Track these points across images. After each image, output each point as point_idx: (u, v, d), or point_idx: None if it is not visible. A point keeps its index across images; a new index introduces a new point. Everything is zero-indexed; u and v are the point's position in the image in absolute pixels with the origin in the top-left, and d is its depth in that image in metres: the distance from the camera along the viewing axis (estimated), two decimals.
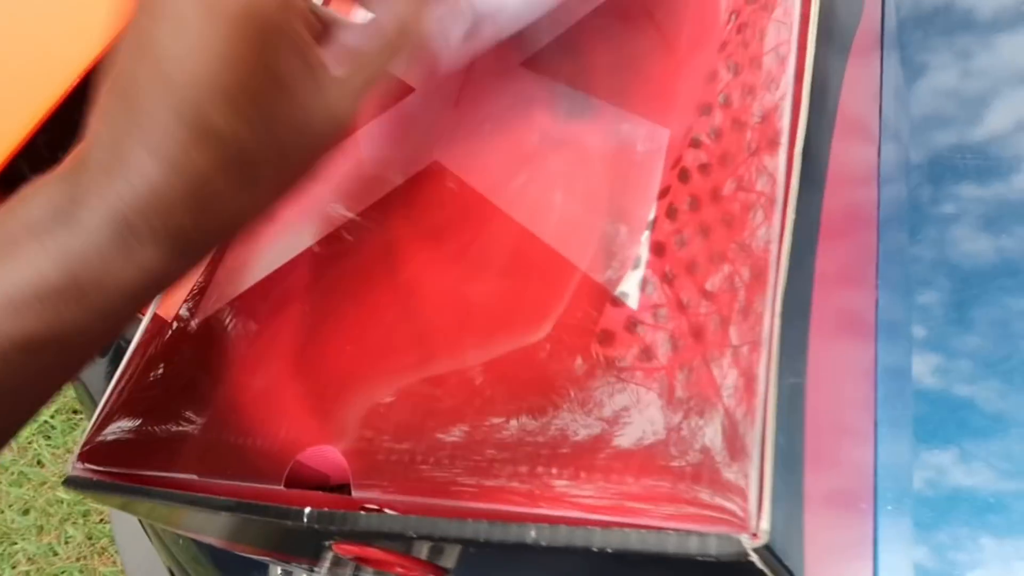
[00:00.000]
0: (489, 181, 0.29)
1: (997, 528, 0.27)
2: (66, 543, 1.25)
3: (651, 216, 0.24)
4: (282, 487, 0.27)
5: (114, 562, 1.20)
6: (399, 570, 0.28)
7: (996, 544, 0.27)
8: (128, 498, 0.33)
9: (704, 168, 0.24)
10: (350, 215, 0.32)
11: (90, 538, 1.24)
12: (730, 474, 0.19)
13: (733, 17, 0.27)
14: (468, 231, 0.28)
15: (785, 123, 0.23)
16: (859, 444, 0.29)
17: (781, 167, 0.22)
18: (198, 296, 0.37)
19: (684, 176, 0.24)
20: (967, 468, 0.29)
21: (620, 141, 0.27)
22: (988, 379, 0.30)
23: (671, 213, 0.24)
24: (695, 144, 0.24)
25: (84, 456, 0.36)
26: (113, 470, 0.35)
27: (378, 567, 0.29)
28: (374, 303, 0.29)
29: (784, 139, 0.23)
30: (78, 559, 1.23)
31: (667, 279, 0.23)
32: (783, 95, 0.23)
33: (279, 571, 0.42)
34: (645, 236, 0.24)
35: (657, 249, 0.23)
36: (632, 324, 0.23)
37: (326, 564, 0.30)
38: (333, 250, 0.32)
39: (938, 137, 0.37)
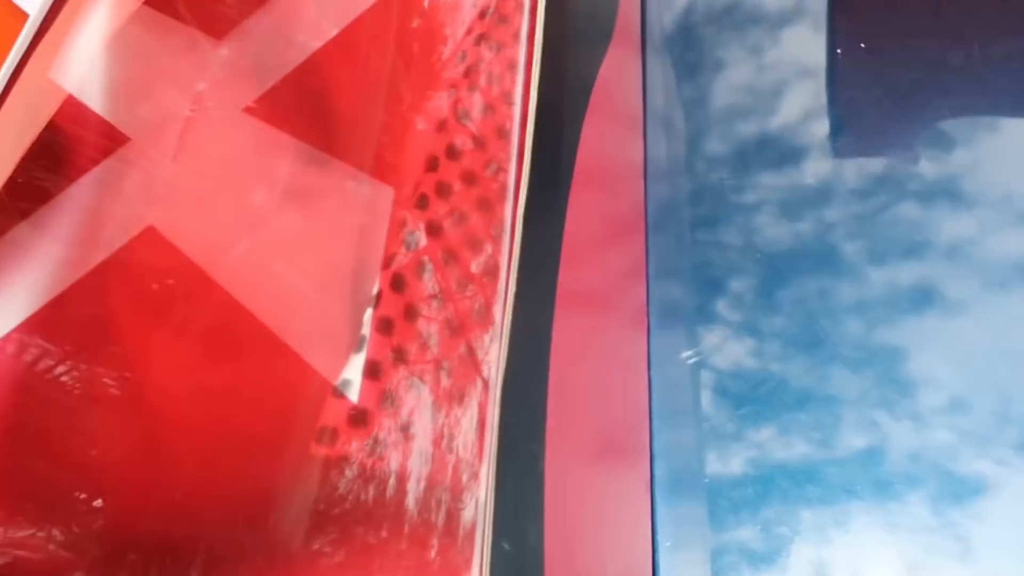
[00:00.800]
0: (207, 251, 0.26)
1: (813, 499, 0.29)
2: None
3: (375, 290, 0.23)
4: None
5: None
6: None
7: (812, 515, 0.29)
8: None
9: (434, 228, 0.23)
10: (60, 287, 0.28)
11: None
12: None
13: (463, 56, 0.27)
14: (187, 307, 0.25)
15: (514, 141, 0.23)
16: (633, 432, 0.30)
17: (511, 187, 0.23)
18: None
19: (412, 243, 0.23)
20: (785, 442, 0.30)
21: (345, 203, 0.25)
22: (795, 357, 0.32)
23: (397, 284, 0.23)
24: (421, 204, 0.24)
25: None
26: None
27: None
28: (87, 391, 0.25)
29: (514, 157, 0.23)
30: None
31: (399, 358, 0.22)
32: (513, 112, 0.24)
33: None
34: (368, 314, 0.23)
35: (384, 327, 0.23)
36: (359, 416, 0.22)
37: None
38: (38, 328, 0.28)
39: (738, 129, 0.38)
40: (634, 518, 0.27)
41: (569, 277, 0.24)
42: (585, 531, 0.23)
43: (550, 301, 0.23)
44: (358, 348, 0.22)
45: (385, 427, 0.21)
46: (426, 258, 0.23)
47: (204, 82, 0.28)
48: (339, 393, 0.22)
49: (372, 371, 0.22)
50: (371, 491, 0.21)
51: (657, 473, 0.29)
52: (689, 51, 0.41)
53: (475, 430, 0.20)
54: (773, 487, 0.30)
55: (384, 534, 0.20)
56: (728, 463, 0.30)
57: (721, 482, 0.30)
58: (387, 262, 0.23)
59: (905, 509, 0.28)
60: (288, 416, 0.22)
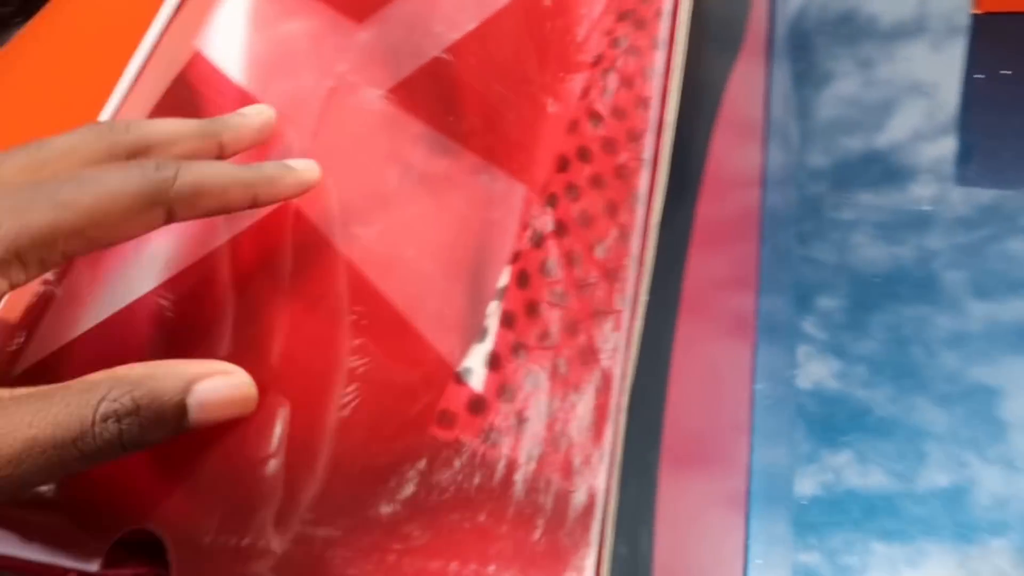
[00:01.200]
0: (342, 228, 0.26)
1: (887, 532, 0.28)
2: None
3: (502, 283, 0.23)
4: (97, 570, 0.24)
5: None
6: None
7: (885, 548, 0.28)
8: None
9: (561, 228, 0.23)
10: (195, 255, 0.28)
11: None
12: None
13: (599, 57, 0.26)
14: (320, 281, 0.26)
15: (651, 129, 0.23)
16: (734, 446, 0.29)
17: (645, 177, 0.23)
18: (26, 334, 0.32)
19: (537, 240, 0.24)
20: (862, 470, 0.29)
21: (477, 195, 0.25)
22: (882, 384, 0.31)
23: (523, 280, 0.23)
24: (551, 203, 0.24)
25: None
26: None
27: None
28: (215, 354, 0.26)
29: (648, 163, 0.23)
30: None
31: (518, 352, 0.22)
32: (650, 102, 0.24)
33: None
34: (494, 306, 0.23)
35: (507, 320, 0.22)
36: (478, 403, 0.22)
37: None
38: (176, 292, 0.28)
39: (842, 144, 0.37)
40: (727, 533, 0.27)
41: (688, 284, 0.24)
42: (686, 541, 0.23)
43: (674, 308, 0.23)
44: (481, 338, 0.22)
45: (502, 415, 0.21)
46: (552, 255, 0.23)
47: (344, 64, 0.29)
48: (461, 380, 0.22)
49: (494, 362, 0.22)
50: (479, 477, 0.21)
51: (753, 490, 0.28)
52: (798, 60, 0.40)
53: (591, 416, 0.20)
54: (844, 514, 0.29)
55: (484, 518, 0.20)
56: (800, 485, 0.29)
57: (795, 503, 0.29)
58: (514, 257, 0.23)
59: (987, 556, 0.27)
60: (411, 396, 0.22)
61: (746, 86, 0.34)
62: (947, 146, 0.36)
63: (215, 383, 0.23)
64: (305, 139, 0.28)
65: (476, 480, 0.20)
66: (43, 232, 0.22)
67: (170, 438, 0.23)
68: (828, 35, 0.41)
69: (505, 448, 0.21)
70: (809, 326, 0.33)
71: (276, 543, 0.22)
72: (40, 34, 0.42)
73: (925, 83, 0.39)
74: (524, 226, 0.24)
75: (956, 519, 0.28)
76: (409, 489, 0.21)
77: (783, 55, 0.40)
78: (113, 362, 0.27)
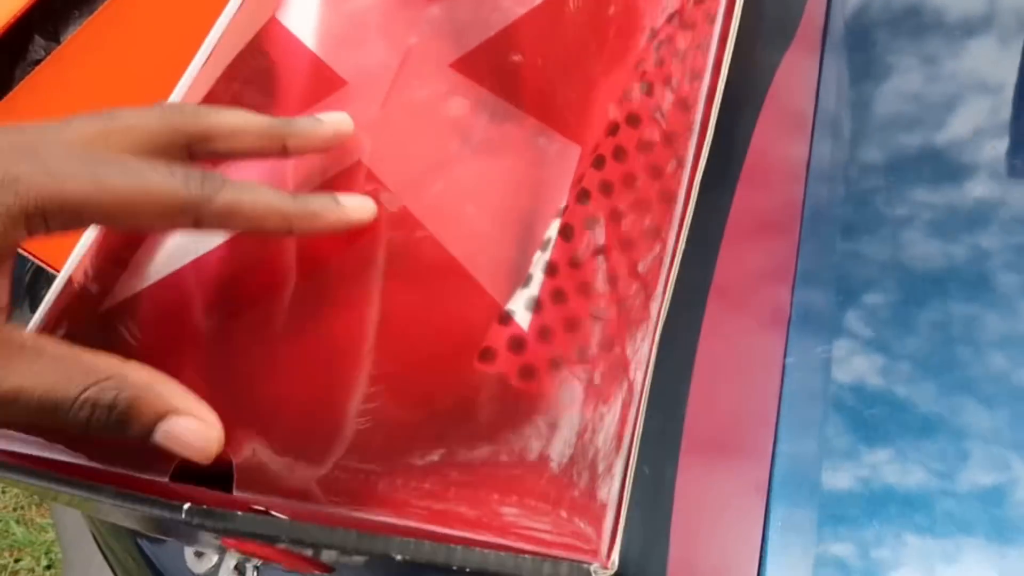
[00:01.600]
0: (408, 188, 0.28)
1: (922, 527, 0.28)
2: (3, 492, 1.23)
3: (546, 235, 0.25)
4: (166, 480, 0.26)
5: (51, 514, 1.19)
6: (284, 565, 0.28)
7: (920, 543, 0.28)
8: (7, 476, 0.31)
9: (606, 188, 0.24)
10: None
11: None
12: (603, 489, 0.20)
13: (653, 32, 0.27)
14: (384, 236, 0.27)
15: (697, 117, 0.24)
16: (758, 434, 0.30)
17: (688, 159, 0.23)
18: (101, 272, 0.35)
19: (583, 196, 0.25)
20: (901, 467, 0.29)
21: (534, 156, 0.27)
22: (926, 381, 0.31)
23: (567, 234, 0.24)
24: (597, 164, 0.25)
25: None
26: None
27: (264, 559, 0.29)
28: (282, 302, 0.28)
29: (695, 132, 0.24)
30: (15, 509, 1.21)
31: (558, 299, 0.23)
32: (699, 89, 0.24)
33: (192, 552, 0.41)
34: (538, 256, 0.24)
35: (551, 269, 0.24)
36: (518, 342, 0.23)
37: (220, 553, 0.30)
38: (246, 244, 0.30)
39: (899, 139, 0.37)
40: (747, 521, 0.28)
41: (719, 272, 0.25)
42: (703, 526, 0.24)
43: (703, 293, 0.24)
44: (525, 284, 0.24)
45: (540, 355, 0.23)
46: (596, 215, 0.24)
47: (415, 37, 0.30)
48: (504, 320, 0.24)
49: (536, 306, 0.23)
50: (516, 412, 0.22)
51: (778, 480, 0.29)
52: (857, 53, 0.40)
53: (624, 363, 0.21)
54: (879, 509, 0.29)
55: (519, 453, 0.21)
56: (833, 478, 0.30)
57: (823, 495, 0.29)
58: (562, 212, 0.25)
59: None
60: (459, 334, 0.24)
61: (795, 78, 0.34)
62: (1009, 145, 0.36)
63: (187, 424, 0.24)
64: (374, 107, 0.30)
65: (513, 415, 0.22)
66: (73, 203, 0.22)
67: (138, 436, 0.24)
68: (891, 29, 0.41)
69: (541, 387, 0.22)
70: (854, 321, 0.33)
71: (328, 465, 0.23)
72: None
73: (991, 80, 0.38)
74: (574, 184, 0.25)
75: (996, 519, 0.28)
76: (452, 420, 0.23)
77: (840, 48, 0.39)
78: (185, 299, 0.29)
